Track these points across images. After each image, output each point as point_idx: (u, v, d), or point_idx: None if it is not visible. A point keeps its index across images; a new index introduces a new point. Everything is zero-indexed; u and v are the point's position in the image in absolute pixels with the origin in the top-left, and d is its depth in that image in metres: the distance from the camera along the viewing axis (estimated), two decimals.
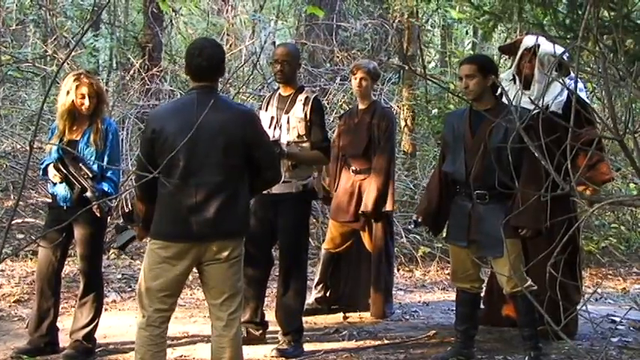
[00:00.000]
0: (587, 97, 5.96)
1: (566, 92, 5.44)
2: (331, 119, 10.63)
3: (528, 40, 5.81)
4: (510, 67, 6.18)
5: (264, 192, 5.35)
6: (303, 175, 5.57)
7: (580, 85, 5.60)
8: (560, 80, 5.40)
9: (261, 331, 5.72)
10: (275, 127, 5.60)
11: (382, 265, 6.56)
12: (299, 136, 5.53)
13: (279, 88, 5.78)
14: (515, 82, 5.81)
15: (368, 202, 6.36)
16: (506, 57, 6.67)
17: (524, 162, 4.88)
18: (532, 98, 5.34)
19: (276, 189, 5.37)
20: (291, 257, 5.58)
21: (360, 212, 6.42)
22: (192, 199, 4.19)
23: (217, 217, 4.19)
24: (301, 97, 5.58)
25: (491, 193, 5.04)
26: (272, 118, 5.64)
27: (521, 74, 5.78)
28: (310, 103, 5.54)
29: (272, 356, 5.36)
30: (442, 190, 5.38)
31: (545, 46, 5.61)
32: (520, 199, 4.82)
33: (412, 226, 6.12)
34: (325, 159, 5.70)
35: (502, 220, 4.80)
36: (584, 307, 5.53)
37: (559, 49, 5.55)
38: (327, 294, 6.76)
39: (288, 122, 5.56)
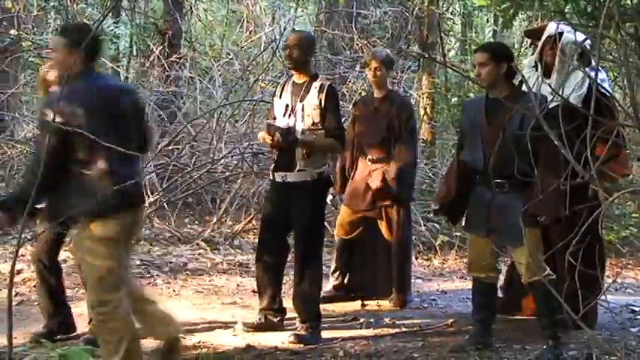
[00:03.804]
0: (610, 88, 5.89)
1: (587, 84, 5.39)
2: (350, 107, 10.61)
3: (552, 27, 5.76)
4: (533, 54, 6.13)
5: (280, 179, 5.37)
6: (318, 164, 5.55)
7: (602, 75, 5.54)
8: (582, 70, 5.36)
9: (279, 318, 5.72)
10: (290, 115, 5.58)
11: (401, 253, 6.56)
12: (314, 123, 5.51)
13: (292, 75, 5.76)
14: (537, 69, 5.77)
15: (386, 180, 6.40)
16: (530, 43, 6.60)
17: (542, 150, 4.84)
18: (552, 86, 5.32)
19: (291, 177, 5.36)
20: (307, 245, 5.57)
21: (377, 191, 6.43)
22: None
23: None
24: (316, 84, 5.56)
25: (510, 182, 5.00)
26: (287, 105, 5.62)
27: (542, 61, 5.74)
28: (325, 90, 5.51)
29: (290, 342, 5.37)
30: (461, 179, 5.34)
31: (568, 35, 5.56)
32: (539, 187, 4.78)
33: (433, 214, 6.12)
34: (339, 146, 5.66)
35: (521, 208, 4.78)
36: (603, 297, 5.50)
37: (581, 38, 5.52)
38: (345, 281, 6.76)
39: (302, 110, 5.54)
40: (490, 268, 5.29)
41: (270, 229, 5.55)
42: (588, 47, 5.48)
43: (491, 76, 5.11)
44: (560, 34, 5.62)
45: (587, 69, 5.45)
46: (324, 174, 5.61)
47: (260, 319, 5.67)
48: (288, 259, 5.86)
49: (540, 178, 4.78)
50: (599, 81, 5.23)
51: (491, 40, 15.57)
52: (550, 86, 5.13)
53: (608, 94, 5.30)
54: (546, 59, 5.70)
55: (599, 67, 5.49)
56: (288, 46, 5.61)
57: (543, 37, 5.77)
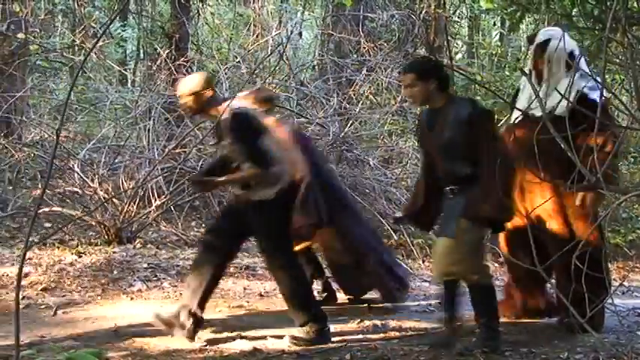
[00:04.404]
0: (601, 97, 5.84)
1: (573, 94, 5.39)
2: (357, 110, 10.62)
3: (541, 35, 5.77)
4: None
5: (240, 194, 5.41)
6: (265, 188, 5.40)
7: (587, 82, 5.51)
8: (570, 80, 5.35)
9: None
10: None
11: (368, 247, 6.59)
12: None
13: None
14: (531, 77, 5.77)
15: None
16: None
17: (483, 154, 4.91)
18: (540, 95, 5.42)
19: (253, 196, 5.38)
20: (268, 260, 5.65)
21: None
22: None
23: None
24: (222, 121, 5.34)
25: (456, 188, 5.13)
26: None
27: (535, 69, 5.75)
28: (228, 126, 5.33)
29: (290, 344, 5.37)
30: (427, 188, 5.42)
31: (554, 42, 5.56)
32: (483, 189, 4.89)
33: (392, 221, 6.19)
34: (256, 172, 5.34)
35: (460, 207, 4.98)
36: (610, 300, 5.50)
37: (571, 45, 5.53)
38: (326, 285, 6.82)
39: (223, 150, 5.51)
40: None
41: (218, 235, 5.62)
42: (577, 55, 5.51)
43: (423, 95, 5.17)
44: (547, 41, 5.62)
45: (576, 76, 5.42)
46: (276, 193, 5.43)
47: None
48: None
49: (482, 180, 4.89)
50: (586, 90, 5.27)
51: (499, 43, 15.57)
52: (537, 95, 5.14)
53: (597, 103, 5.30)
54: (538, 67, 5.71)
55: (590, 74, 5.52)
56: (180, 98, 5.57)
57: (533, 45, 5.77)
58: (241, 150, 5.28)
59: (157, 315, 5.47)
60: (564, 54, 5.52)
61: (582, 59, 5.69)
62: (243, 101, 5.55)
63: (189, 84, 5.54)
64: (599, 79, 5.56)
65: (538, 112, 5.43)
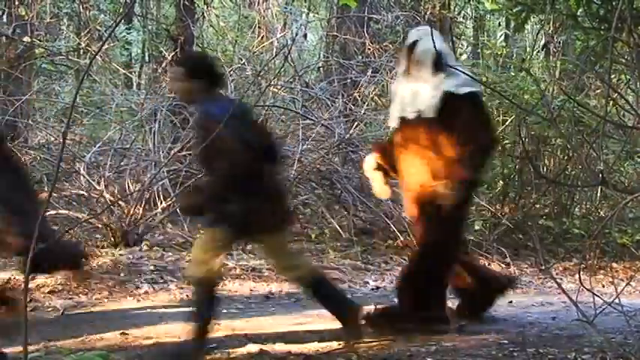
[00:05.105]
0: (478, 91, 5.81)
1: (440, 94, 5.45)
2: (362, 111, 10.63)
3: (410, 36, 5.80)
4: None
5: None
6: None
7: (463, 78, 5.55)
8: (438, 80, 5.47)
9: None
10: None
11: None
12: None
13: None
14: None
15: None
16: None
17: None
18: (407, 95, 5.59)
19: None
20: None
21: None
22: None
23: None
24: None
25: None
26: None
27: (408, 71, 5.76)
28: None
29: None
30: None
31: (421, 43, 5.57)
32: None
33: None
34: None
35: None
36: (616, 300, 5.49)
37: (439, 45, 5.56)
38: None
39: None
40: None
41: None
42: (445, 54, 5.54)
43: (189, 92, 5.06)
44: (415, 42, 5.63)
45: (444, 75, 5.49)
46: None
47: None
48: None
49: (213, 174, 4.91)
50: (452, 88, 5.45)
51: (504, 43, 15.56)
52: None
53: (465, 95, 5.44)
54: (409, 69, 5.71)
55: (462, 71, 5.61)
56: None
57: (405, 45, 5.78)
58: None
59: None
60: (431, 54, 5.51)
61: (450, 57, 5.76)
62: None
63: None
64: (468, 72, 5.65)
65: (411, 115, 5.58)
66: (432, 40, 5.17)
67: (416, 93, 5.58)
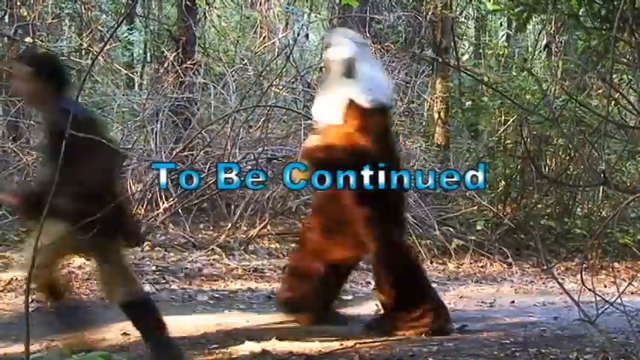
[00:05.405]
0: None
1: (342, 100, 5.45)
2: None
3: (327, 41, 5.81)
4: None
5: None
6: None
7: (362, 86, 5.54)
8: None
9: None
10: None
11: None
12: None
13: None
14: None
15: None
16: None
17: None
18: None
19: None
20: None
21: None
22: None
23: None
24: None
25: None
26: None
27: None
28: None
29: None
30: None
31: (334, 48, 5.59)
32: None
33: None
34: None
35: None
36: (618, 300, 5.49)
37: (352, 50, 5.55)
38: None
39: None
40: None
41: None
42: (355, 60, 5.51)
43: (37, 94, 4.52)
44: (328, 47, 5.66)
45: (351, 82, 5.47)
46: None
47: None
48: None
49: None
50: (353, 95, 5.41)
51: (505, 43, 15.56)
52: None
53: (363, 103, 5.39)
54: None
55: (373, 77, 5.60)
56: None
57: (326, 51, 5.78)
58: None
59: None
60: (341, 60, 5.51)
61: (365, 63, 5.63)
62: None
63: None
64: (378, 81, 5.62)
65: (324, 120, 5.63)
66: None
67: (325, 100, 5.66)
